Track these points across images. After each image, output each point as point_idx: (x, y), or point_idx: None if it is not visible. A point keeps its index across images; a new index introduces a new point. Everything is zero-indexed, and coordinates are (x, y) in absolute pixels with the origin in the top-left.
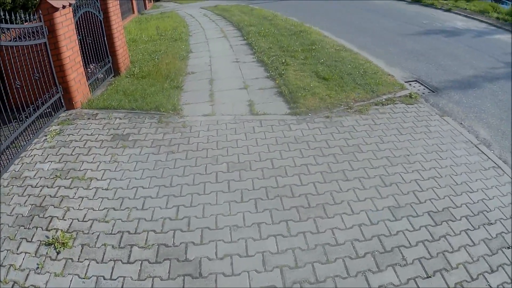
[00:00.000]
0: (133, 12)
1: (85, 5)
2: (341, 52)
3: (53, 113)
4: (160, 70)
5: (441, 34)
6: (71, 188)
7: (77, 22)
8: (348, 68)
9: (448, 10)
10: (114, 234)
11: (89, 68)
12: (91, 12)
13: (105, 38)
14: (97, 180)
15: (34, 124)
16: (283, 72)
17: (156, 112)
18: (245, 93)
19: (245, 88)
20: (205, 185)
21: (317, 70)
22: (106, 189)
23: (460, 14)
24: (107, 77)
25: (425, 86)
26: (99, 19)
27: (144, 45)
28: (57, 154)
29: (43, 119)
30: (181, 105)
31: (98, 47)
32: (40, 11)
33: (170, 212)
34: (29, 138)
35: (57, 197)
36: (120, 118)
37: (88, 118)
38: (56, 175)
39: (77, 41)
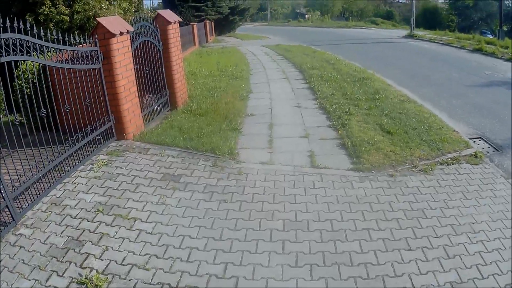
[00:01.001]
0: (194, 44)
1: (144, 34)
2: (405, 103)
3: (103, 141)
4: (218, 109)
5: (504, 86)
6: (112, 226)
7: (134, 50)
8: (413, 122)
9: (509, 60)
10: (154, 285)
11: (145, 99)
12: (151, 41)
13: (163, 70)
14: (142, 221)
15: (82, 150)
16: (346, 122)
17: (211, 154)
18: (305, 142)
19: (306, 136)
20: (257, 243)
21: (382, 122)
22: (150, 233)
23: None
24: (163, 110)
25: (489, 144)
26: (158, 49)
27: (204, 80)
28: (102, 186)
29: (92, 146)
30: (238, 149)
31: (155, 78)
32: (96, 35)
33: (217, 269)
34: (74, 164)
35: (96, 233)
36: (173, 157)
37: (139, 152)
38: (98, 209)
39: (133, 70)
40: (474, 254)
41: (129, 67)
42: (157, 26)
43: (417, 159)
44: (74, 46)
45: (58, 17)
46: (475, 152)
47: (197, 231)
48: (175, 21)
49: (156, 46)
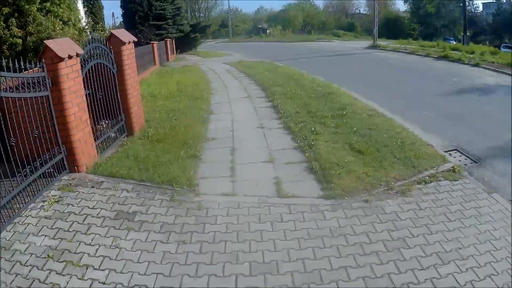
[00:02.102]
0: (155, 64)
1: (96, 56)
2: (374, 118)
3: (55, 174)
4: (177, 134)
5: (474, 92)
6: (63, 275)
7: (86, 74)
8: (384, 139)
9: (476, 65)
10: None
11: (99, 125)
12: (104, 64)
13: (118, 94)
14: (94, 269)
15: (32, 185)
16: (312, 143)
17: (168, 186)
18: (270, 168)
19: (270, 161)
20: None
21: (351, 141)
22: (104, 283)
23: (488, 69)
24: (119, 136)
25: (466, 156)
26: (112, 72)
27: (163, 102)
28: (53, 227)
29: (43, 180)
30: (197, 179)
31: (110, 103)
32: (44, 60)
33: None
34: (25, 202)
35: (46, 284)
36: (128, 191)
37: (92, 187)
38: (48, 255)
39: (84, 96)
40: (465, 284)
41: (79, 93)
42: (111, 47)
43: (393, 180)
44: (24, 71)
45: (11, 39)
46: (453, 167)
47: (155, 279)
48: (129, 41)
49: (109, 68)
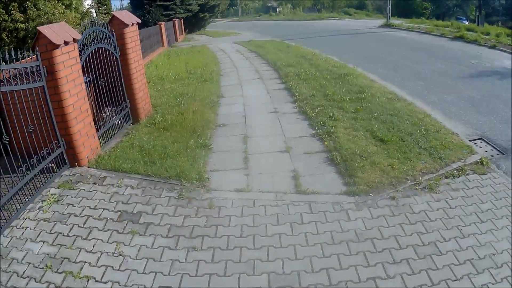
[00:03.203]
0: (163, 45)
1: (97, 40)
2: (394, 102)
3: (56, 169)
4: (185, 121)
5: (494, 76)
6: None
7: (86, 60)
8: (407, 126)
9: (493, 47)
10: None
11: (102, 114)
12: (106, 48)
13: (121, 79)
14: (96, 281)
15: (31, 183)
16: (331, 130)
17: (176, 182)
18: (287, 158)
19: (287, 151)
20: None
21: (372, 128)
22: None
23: (506, 51)
24: (125, 124)
25: (492, 146)
26: (115, 56)
27: (171, 85)
28: (52, 231)
29: (43, 176)
30: (208, 172)
31: (113, 89)
32: (37, 48)
33: None
34: (23, 201)
35: None
36: (132, 187)
37: (94, 183)
38: (47, 265)
39: (83, 85)
40: None
41: (78, 81)
42: (113, 30)
43: (419, 174)
44: (22, 60)
45: (11, 25)
46: (480, 159)
47: None
48: (133, 23)
49: (112, 53)
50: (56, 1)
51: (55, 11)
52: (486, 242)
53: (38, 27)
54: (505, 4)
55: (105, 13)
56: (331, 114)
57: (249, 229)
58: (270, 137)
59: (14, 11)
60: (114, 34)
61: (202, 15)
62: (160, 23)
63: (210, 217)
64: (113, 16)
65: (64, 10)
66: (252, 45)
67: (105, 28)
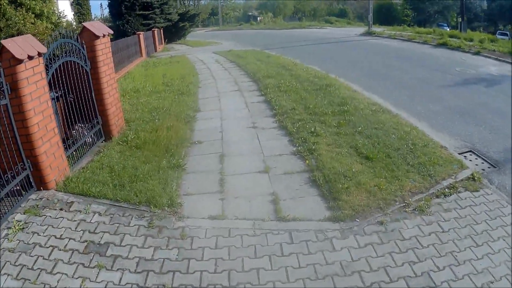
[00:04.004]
0: (141, 55)
1: (65, 53)
2: (378, 115)
3: (22, 192)
4: (159, 138)
5: (480, 83)
6: None
7: (54, 74)
8: (393, 140)
9: (477, 54)
10: None
11: (72, 131)
12: (75, 62)
13: (92, 94)
14: None
15: None
16: (313, 146)
17: (147, 207)
18: (266, 179)
19: (265, 171)
20: None
21: (356, 144)
22: None
23: (490, 57)
24: (97, 141)
25: (483, 159)
26: (85, 70)
27: (147, 98)
28: (16, 263)
29: (9, 200)
30: (180, 196)
31: (84, 105)
32: (0, 63)
33: None
34: None
35: None
36: (100, 214)
37: (61, 209)
38: None
39: (49, 102)
40: None
41: (43, 98)
42: (83, 42)
43: (409, 194)
44: None
45: None
46: (472, 174)
47: None
48: (104, 35)
49: (82, 66)
50: (25, 12)
51: (26, 20)
52: (483, 268)
53: (1, 41)
54: (486, 10)
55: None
56: (312, 129)
57: (224, 264)
58: (248, 155)
59: None
60: (85, 46)
61: (182, 24)
62: (138, 32)
63: (182, 249)
64: (84, 27)
65: (35, 20)
66: (231, 55)
67: (75, 40)
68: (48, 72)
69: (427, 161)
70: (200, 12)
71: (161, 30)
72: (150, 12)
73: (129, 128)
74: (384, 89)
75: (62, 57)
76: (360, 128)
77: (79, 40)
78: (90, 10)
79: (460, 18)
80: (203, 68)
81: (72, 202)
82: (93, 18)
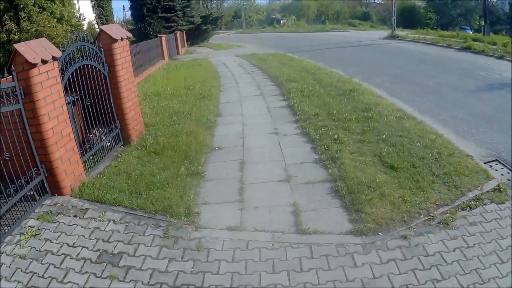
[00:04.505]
0: (163, 58)
1: (82, 57)
2: (403, 122)
3: (37, 197)
4: (178, 144)
5: (505, 89)
6: None
7: (70, 78)
8: (418, 149)
9: (501, 58)
10: None
11: (90, 135)
12: (92, 65)
13: (110, 98)
14: None
15: (8, 213)
16: (336, 155)
17: (163, 216)
18: (287, 189)
19: (287, 180)
20: None
21: (381, 152)
22: None
23: None
24: (115, 146)
25: (509, 169)
26: (103, 74)
27: (167, 102)
28: (27, 270)
29: (23, 205)
30: (198, 205)
31: (101, 109)
32: (13, 67)
33: None
34: (3, 231)
35: None
36: (115, 222)
37: (75, 216)
38: None
39: (65, 106)
40: None
41: (58, 103)
42: (100, 46)
43: (433, 206)
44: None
45: (4, 36)
46: (498, 185)
47: None
48: (122, 38)
49: (99, 70)
50: (49, 14)
51: (47, 23)
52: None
53: (14, 45)
54: (509, 13)
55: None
56: (335, 137)
57: (240, 278)
58: (269, 163)
59: (8, 22)
60: (102, 50)
61: (205, 27)
62: (160, 35)
63: (198, 261)
64: (101, 30)
65: (55, 24)
66: (254, 59)
67: (92, 44)
68: (63, 76)
69: (452, 171)
70: (223, 14)
71: (184, 33)
72: (172, 14)
73: (149, 132)
74: (408, 94)
75: (78, 60)
76: (384, 136)
77: (96, 43)
78: (112, 12)
79: (482, 21)
80: (226, 72)
81: (87, 209)
82: (115, 20)
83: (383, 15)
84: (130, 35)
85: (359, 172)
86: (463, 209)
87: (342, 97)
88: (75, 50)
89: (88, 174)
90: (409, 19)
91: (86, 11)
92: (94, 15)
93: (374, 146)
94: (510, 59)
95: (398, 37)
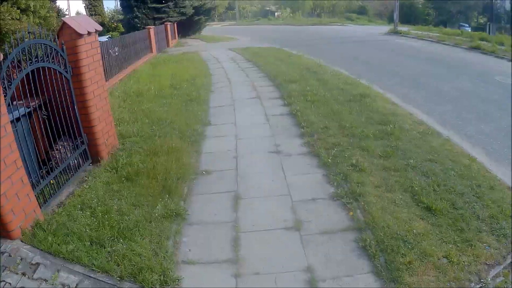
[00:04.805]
0: (151, 51)
1: (35, 58)
2: (428, 138)
3: None
4: (156, 167)
5: None
6: None
7: (20, 86)
8: (454, 180)
9: None
10: None
11: (51, 152)
12: (51, 68)
13: (75, 107)
14: None
15: None
16: (357, 189)
17: (131, 284)
18: (297, 242)
19: (296, 227)
20: None
21: (412, 185)
22: None
23: None
24: (83, 164)
25: None
26: (65, 78)
27: (150, 105)
28: None
29: None
30: (179, 265)
31: (64, 121)
32: None
33: None
34: None
35: None
36: None
37: (23, 273)
38: None
39: (8, 126)
40: None
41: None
42: (62, 43)
43: (484, 267)
44: None
45: None
46: None
47: None
48: (89, 32)
49: (61, 73)
50: (10, 5)
51: (7, 15)
52: None
53: None
54: (510, 12)
55: (95, 15)
56: (354, 161)
57: None
58: (271, 198)
59: None
60: (64, 48)
61: (197, 18)
62: (149, 27)
63: None
64: (63, 23)
65: (20, 15)
66: (249, 53)
67: (51, 41)
68: (10, 86)
69: (498, 213)
70: (216, 6)
71: (175, 24)
72: (163, 5)
73: (123, 147)
74: (425, 101)
75: (31, 63)
76: (412, 161)
77: (57, 40)
78: (102, 2)
79: (481, 19)
80: (217, 68)
81: (38, 264)
82: (105, 10)
83: (379, 10)
84: (100, 28)
85: (389, 217)
86: None
87: (352, 104)
88: (27, 50)
89: (46, 205)
90: (407, 15)
91: (75, 1)
92: (83, 4)
93: (402, 176)
94: (510, 58)
95: (400, 33)
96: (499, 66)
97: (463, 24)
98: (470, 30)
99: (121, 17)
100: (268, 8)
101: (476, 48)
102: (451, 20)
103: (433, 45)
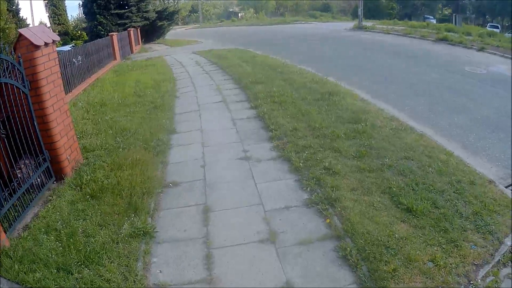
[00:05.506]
0: (115, 58)
1: None
2: (402, 135)
3: None
4: (120, 182)
5: (497, 86)
6: None
7: None
8: (433, 177)
9: (482, 50)
10: None
11: (13, 171)
12: (7, 83)
13: (34, 123)
14: None
15: None
16: (333, 193)
17: None
18: (273, 256)
19: (271, 240)
20: None
21: (390, 186)
22: None
23: (495, 54)
24: (47, 182)
25: None
26: (23, 93)
27: (113, 115)
28: None
29: None
30: None
31: (24, 138)
32: None
33: None
34: None
35: None
36: None
37: None
38: None
39: None
40: None
41: None
42: (19, 56)
43: (473, 268)
44: None
45: None
46: None
47: None
48: (47, 43)
49: (19, 88)
50: None
51: None
52: None
53: None
54: (475, 2)
55: (59, 24)
56: (326, 164)
57: None
58: (242, 209)
59: None
60: (21, 61)
61: (161, 23)
62: (111, 34)
63: None
64: (20, 35)
65: None
66: (213, 56)
67: (7, 54)
68: None
69: (481, 209)
70: (179, 9)
71: (138, 30)
72: (126, 10)
73: (87, 162)
74: (395, 96)
75: None
76: (387, 160)
77: (13, 53)
78: (65, 11)
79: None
80: (182, 72)
81: None
82: (69, 19)
83: (343, 6)
84: (57, 38)
85: (368, 222)
86: (505, 265)
87: (321, 103)
88: None
89: (12, 229)
90: (371, 10)
91: (39, 10)
92: (47, 14)
93: (378, 176)
94: (510, 57)
95: (366, 28)
96: (468, 56)
97: (428, 16)
98: (435, 22)
99: (84, 25)
100: (231, 10)
101: (443, 40)
102: (416, 13)
103: (400, 38)
